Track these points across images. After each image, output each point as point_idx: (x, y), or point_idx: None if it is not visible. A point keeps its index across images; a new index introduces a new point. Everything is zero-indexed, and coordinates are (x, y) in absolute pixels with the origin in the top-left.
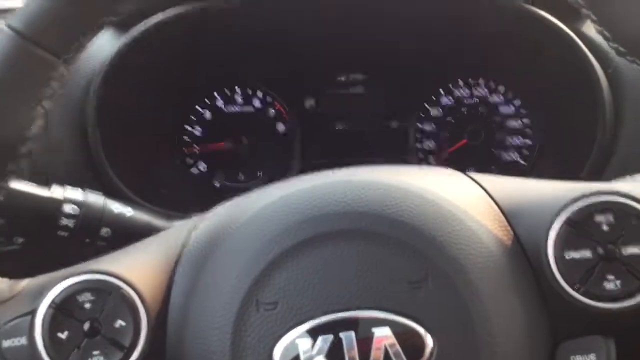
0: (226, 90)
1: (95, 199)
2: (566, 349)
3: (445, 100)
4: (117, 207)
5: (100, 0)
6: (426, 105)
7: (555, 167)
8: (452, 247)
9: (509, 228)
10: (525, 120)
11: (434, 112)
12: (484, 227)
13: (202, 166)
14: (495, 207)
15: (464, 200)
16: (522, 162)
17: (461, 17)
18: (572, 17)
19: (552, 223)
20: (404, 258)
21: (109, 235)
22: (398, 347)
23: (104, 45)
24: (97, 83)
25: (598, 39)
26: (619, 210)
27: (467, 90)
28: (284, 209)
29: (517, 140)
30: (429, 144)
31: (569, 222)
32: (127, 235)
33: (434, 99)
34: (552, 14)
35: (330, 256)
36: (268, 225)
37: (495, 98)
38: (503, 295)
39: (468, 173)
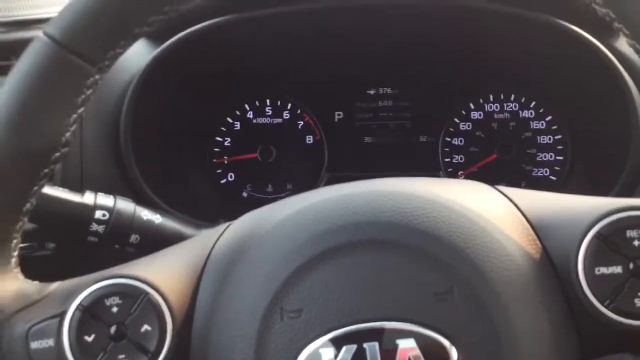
0: (256, 102)
1: (126, 205)
2: None
3: (475, 114)
4: (146, 214)
5: (136, 10)
6: (455, 120)
7: (587, 183)
8: (479, 259)
9: (537, 242)
10: (557, 136)
11: (464, 126)
12: (512, 240)
13: (231, 177)
14: (524, 221)
15: (492, 212)
16: (552, 178)
17: (492, 32)
18: (605, 32)
19: (582, 237)
20: (430, 269)
21: (137, 242)
22: (422, 359)
23: (138, 56)
24: (130, 94)
25: (631, 53)
26: None
27: (497, 105)
28: (310, 217)
29: (548, 156)
30: (458, 159)
31: (600, 237)
32: (155, 242)
33: (464, 113)
34: (584, 29)
35: (356, 266)
36: (294, 233)
37: (527, 113)
38: (530, 309)
39: (496, 186)
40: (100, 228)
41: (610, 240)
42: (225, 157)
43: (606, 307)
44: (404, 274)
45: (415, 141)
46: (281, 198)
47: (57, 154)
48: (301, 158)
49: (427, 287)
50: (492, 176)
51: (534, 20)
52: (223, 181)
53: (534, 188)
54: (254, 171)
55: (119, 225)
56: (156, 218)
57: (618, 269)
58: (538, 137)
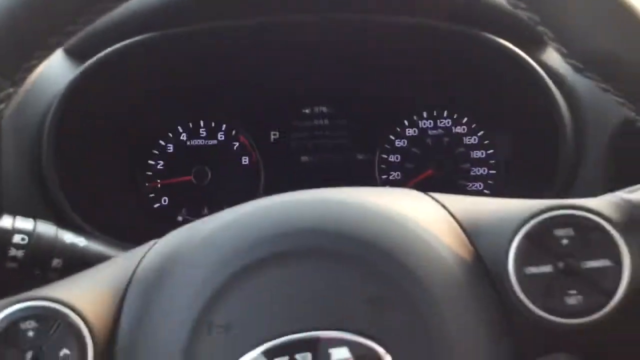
0: (190, 124)
1: (46, 229)
2: None
3: (410, 131)
4: (69, 237)
5: (49, 19)
6: (391, 137)
7: (520, 196)
8: (412, 265)
9: (470, 245)
10: (489, 151)
11: (399, 143)
12: (445, 244)
13: (165, 200)
14: (456, 225)
15: (425, 218)
16: (486, 191)
17: (422, 48)
18: (533, 46)
19: (511, 239)
20: (362, 277)
21: (60, 266)
22: None
23: (60, 74)
24: (52, 114)
25: (558, 66)
26: (578, 224)
27: (431, 122)
28: (237, 229)
29: (482, 170)
30: (395, 175)
31: (529, 238)
32: (80, 266)
33: (399, 130)
34: (513, 44)
35: (286, 276)
36: (220, 246)
37: (459, 129)
38: (465, 313)
39: (429, 193)
40: (19, 253)
41: (539, 240)
42: (159, 181)
43: (537, 306)
44: (335, 282)
45: (352, 159)
46: None
47: None
48: (237, 180)
49: (360, 295)
50: (428, 191)
51: (462, 34)
52: (157, 205)
53: None
54: (189, 194)
55: (39, 249)
56: (80, 241)
57: (547, 268)
58: (471, 152)
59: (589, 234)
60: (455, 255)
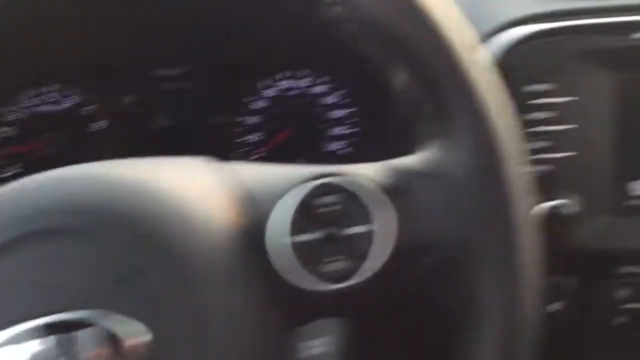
0: (36, 88)
1: None
2: (297, 335)
3: (270, 92)
4: None
5: None
6: (250, 99)
7: (380, 155)
8: (170, 238)
9: (241, 214)
10: (349, 110)
11: (259, 104)
12: (212, 215)
13: (15, 169)
14: (230, 194)
15: (194, 188)
16: (347, 150)
17: (270, 11)
18: None
19: (275, 206)
20: (111, 253)
21: None
22: (111, 346)
23: None
24: None
25: None
26: (340, 191)
27: (291, 82)
28: None
29: (343, 130)
30: (255, 137)
31: (294, 205)
32: None
33: (258, 91)
34: None
35: (30, 259)
36: None
37: (319, 89)
38: (229, 285)
39: (214, 161)
40: None
41: (303, 208)
42: (5, 149)
43: (302, 273)
44: (81, 260)
45: (210, 123)
46: None
47: None
48: (89, 147)
49: (110, 271)
50: (290, 153)
51: None
52: (7, 174)
53: (329, 162)
54: (35, 164)
55: None
56: None
57: (311, 236)
58: (331, 112)
59: (351, 200)
60: (223, 226)
